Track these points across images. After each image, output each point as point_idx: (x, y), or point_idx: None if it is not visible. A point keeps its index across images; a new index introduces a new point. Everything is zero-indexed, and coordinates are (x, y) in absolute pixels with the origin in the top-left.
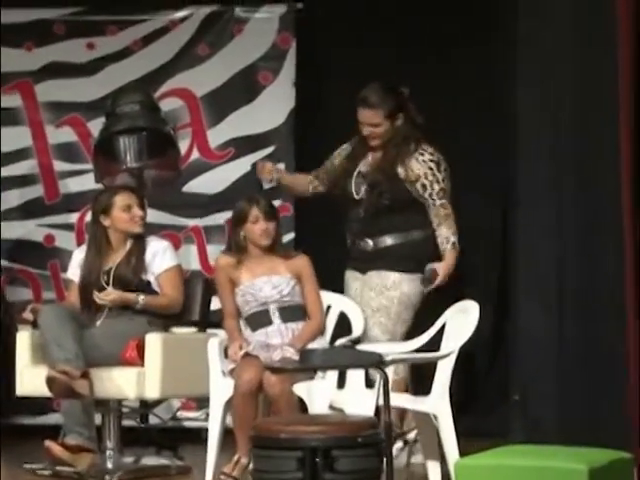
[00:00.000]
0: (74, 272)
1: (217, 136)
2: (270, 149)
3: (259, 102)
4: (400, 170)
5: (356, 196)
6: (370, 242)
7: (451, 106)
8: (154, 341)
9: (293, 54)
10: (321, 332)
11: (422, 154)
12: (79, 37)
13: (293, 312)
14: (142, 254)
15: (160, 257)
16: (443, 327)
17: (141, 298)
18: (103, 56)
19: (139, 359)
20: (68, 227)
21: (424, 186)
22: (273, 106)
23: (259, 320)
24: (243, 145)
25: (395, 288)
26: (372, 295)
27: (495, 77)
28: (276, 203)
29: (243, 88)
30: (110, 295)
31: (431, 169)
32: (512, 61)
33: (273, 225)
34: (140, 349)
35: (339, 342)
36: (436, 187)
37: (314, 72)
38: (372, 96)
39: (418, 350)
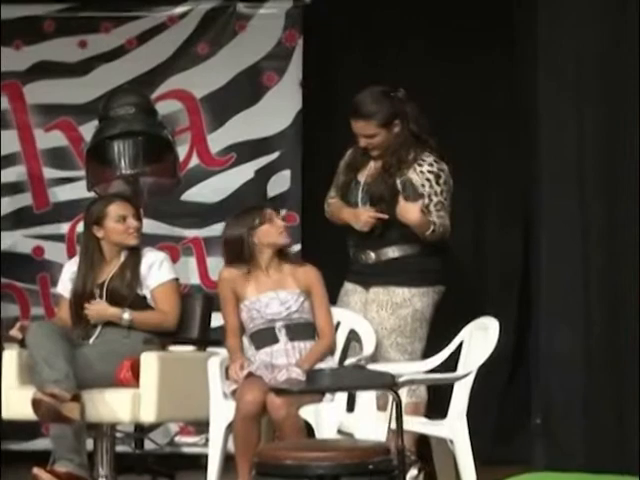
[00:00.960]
0: (65, 286)
1: (218, 141)
2: (275, 155)
3: (263, 104)
4: (399, 181)
5: (360, 207)
6: (372, 254)
7: (467, 115)
8: (150, 361)
9: (300, 52)
10: (331, 352)
11: (421, 164)
12: (70, 35)
13: (301, 330)
14: (137, 267)
15: (156, 270)
16: (460, 345)
17: (125, 315)
18: (96, 55)
19: (134, 380)
20: (58, 238)
21: (422, 197)
22: (278, 108)
23: (264, 338)
24: (246, 151)
25: (406, 305)
26: (384, 315)
27: (513, 91)
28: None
29: (246, 89)
30: (94, 306)
31: (429, 180)
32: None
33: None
34: (135, 369)
35: (349, 362)
36: (434, 199)
37: (322, 72)
38: (363, 105)
39: (433, 370)
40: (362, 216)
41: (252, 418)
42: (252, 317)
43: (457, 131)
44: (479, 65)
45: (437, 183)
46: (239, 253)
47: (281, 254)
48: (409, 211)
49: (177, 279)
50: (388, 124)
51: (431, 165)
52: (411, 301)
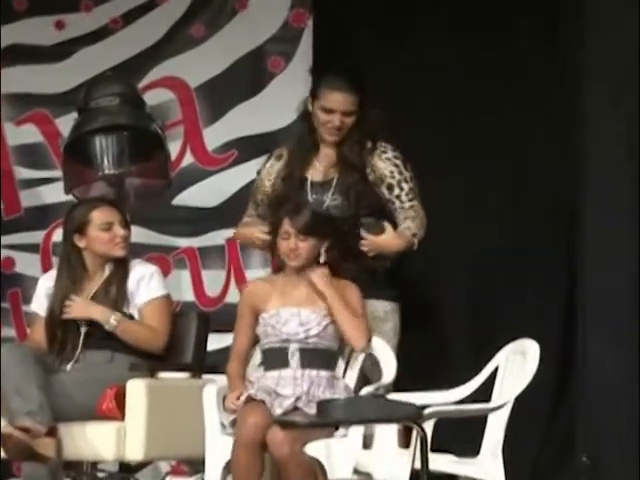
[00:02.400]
0: (40, 304)
1: (215, 136)
2: None
3: (267, 94)
4: (368, 170)
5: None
6: (355, 267)
7: (492, 108)
8: (137, 389)
9: (309, 34)
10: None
11: (384, 151)
12: (45, 14)
13: (317, 357)
14: (124, 282)
15: (145, 285)
16: (495, 372)
17: (114, 317)
18: (75, 37)
19: (118, 411)
20: (32, 248)
21: (390, 187)
22: (285, 99)
23: (274, 359)
24: (248, 147)
25: (388, 319)
26: None
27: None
28: None
29: (248, 77)
30: (77, 301)
31: (397, 166)
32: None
33: (308, 245)
34: (120, 399)
35: (365, 390)
36: (405, 187)
37: (335, 56)
38: (348, 79)
39: (464, 400)
40: (253, 235)
41: (255, 447)
42: (266, 333)
43: (480, 126)
44: (509, 53)
45: (405, 169)
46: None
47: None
48: (391, 244)
49: (169, 296)
50: (362, 105)
51: (394, 150)
52: (393, 315)
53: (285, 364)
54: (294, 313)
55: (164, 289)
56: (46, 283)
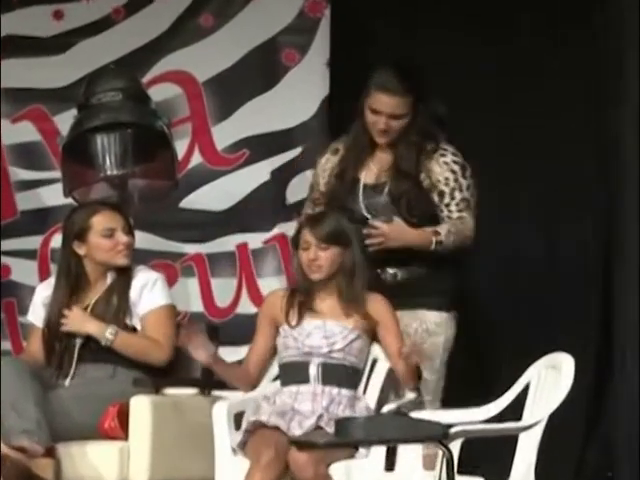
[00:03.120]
0: (37, 314)
1: (225, 134)
2: (296, 151)
3: (281, 89)
4: (422, 176)
5: (368, 216)
6: (391, 272)
7: (519, 107)
8: (141, 406)
9: (327, 25)
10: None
11: (443, 154)
12: (42, 3)
13: (339, 374)
14: (126, 291)
15: (147, 293)
16: (526, 388)
17: (109, 331)
18: (74, 29)
19: (121, 430)
20: (28, 255)
21: (441, 194)
22: (300, 94)
23: (293, 373)
24: (260, 146)
25: (439, 332)
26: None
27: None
28: None
29: (260, 70)
30: (73, 313)
31: (454, 172)
32: None
33: (329, 254)
34: (123, 417)
35: (387, 407)
36: (457, 196)
37: (354, 49)
38: (398, 79)
39: (492, 419)
40: None
41: (275, 477)
42: (286, 345)
43: (506, 125)
44: (537, 52)
45: (463, 176)
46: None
47: (330, 283)
48: (400, 235)
49: (172, 305)
50: (416, 106)
51: (455, 155)
52: (444, 327)
53: (305, 379)
54: (318, 325)
55: (167, 298)
56: (43, 292)
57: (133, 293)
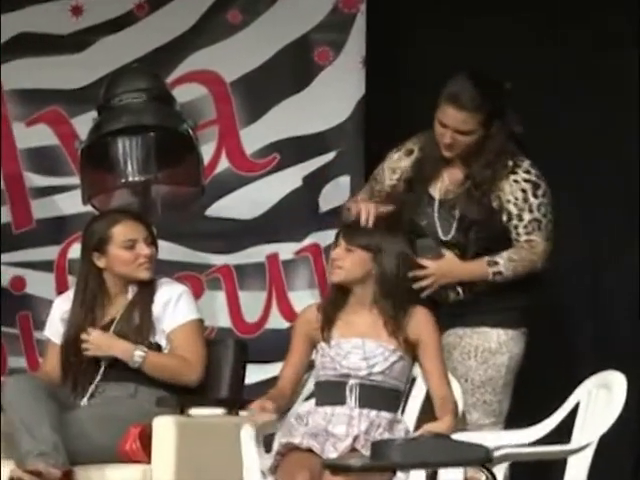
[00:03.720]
0: (54, 330)
1: (255, 138)
2: (330, 156)
3: (314, 89)
4: (492, 196)
5: (443, 237)
6: (455, 290)
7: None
8: (165, 427)
9: (363, 21)
10: (455, 416)
11: (515, 172)
12: None
13: (378, 396)
14: (149, 306)
15: (172, 308)
16: (575, 409)
17: (138, 354)
18: (94, 25)
19: (143, 453)
20: (45, 266)
21: (509, 215)
22: (334, 95)
23: (329, 393)
24: (291, 150)
25: (502, 351)
26: (472, 364)
27: None
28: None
29: (292, 70)
30: (95, 335)
31: (524, 191)
32: None
33: (355, 258)
34: (145, 439)
35: (425, 428)
36: (526, 217)
37: (393, 47)
38: (469, 93)
39: (540, 441)
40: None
41: None
42: (324, 365)
43: (557, 134)
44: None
45: (534, 195)
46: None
47: (367, 296)
48: (454, 271)
49: (201, 320)
50: (489, 122)
51: (528, 172)
52: (508, 346)
53: (341, 400)
54: (357, 345)
55: (195, 312)
56: (62, 306)
57: (156, 308)
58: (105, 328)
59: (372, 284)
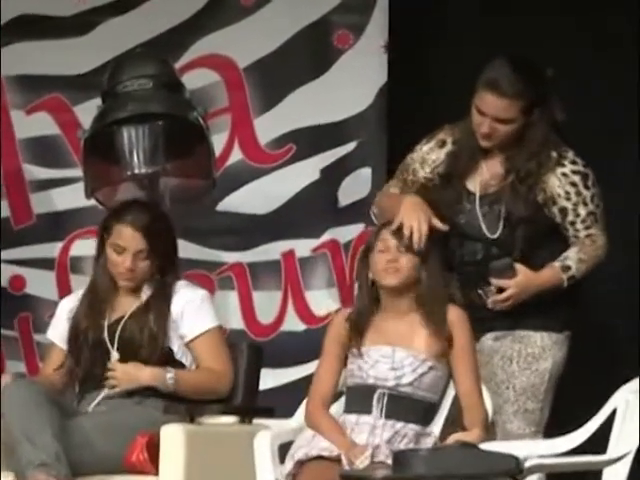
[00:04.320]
0: (58, 332)
1: (269, 127)
2: (350, 147)
3: (333, 76)
4: (537, 189)
5: (490, 235)
6: (493, 289)
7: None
8: (173, 436)
9: (385, 3)
10: (485, 427)
11: (562, 164)
12: None
13: (406, 408)
14: (166, 308)
15: (193, 314)
16: (611, 417)
17: (170, 376)
18: (98, 7)
19: (151, 464)
20: (45, 264)
21: (564, 211)
22: (354, 81)
23: (356, 400)
24: (309, 141)
25: (545, 356)
26: (514, 370)
27: None
28: (356, 229)
29: (309, 55)
30: (118, 376)
31: (574, 185)
32: None
33: (409, 260)
34: (153, 448)
35: (452, 438)
36: (582, 212)
37: (418, 30)
38: (509, 79)
39: (574, 451)
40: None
41: None
42: (352, 372)
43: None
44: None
45: (586, 187)
46: (359, 288)
47: (408, 296)
48: (530, 286)
49: (221, 327)
50: (530, 110)
51: (574, 163)
52: (551, 351)
53: (367, 409)
54: (386, 354)
55: (215, 319)
56: (68, 306)
57: (174, 312)
58: (112, 327)
59: (413, 290)
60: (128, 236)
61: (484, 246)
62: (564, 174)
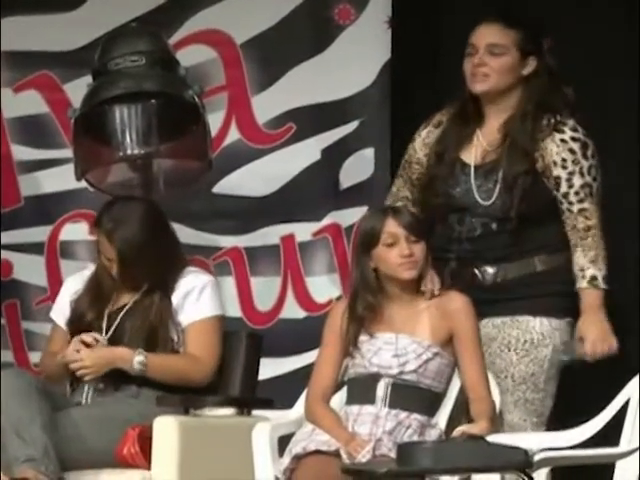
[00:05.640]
0: (61, 312)
1: (268, 106)
2: (352, 126)
3: (334, 52)
4: (537, 155)
5: (484, 202)
6: (491, 271)
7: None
8: (166, 428)
9: None
10: (492, 419)
11: (561, 130)
12: None
13: (411, 397)
14: (166, 298)
15: (193, 300)
16: (623, 408)
17: (138, 358)
18: None
19: (143, 457)
20: (34, 248)
21: (558, 180)
22: (356, 58)
23: (359, 390)
24: (309, 120)
25: (545, 343)
26: (512, 358)
27: None
28: (359, 212)
29: (309, 30)
30: (83, 359)
31: (573, 152)
32: None
33: (421, 248)
34: (145, 441)
35: (458, 430)
36: (577, 182)
37: (422, 5)
38: (509, 10)
39: (585, 444)
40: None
41: None
42: (354, 362)
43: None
44: None
45: (584, 156)
46: (357, 278)
47: (416, 284)
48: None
49: (222, 317)
50: (525, 52)
51: (574, 130)
52: (552, 337)
53: (370, 400)
54: (389, 341)
55: (217, 308)
56: (73, 287)
57: (176, 298)
58: (112, 316)
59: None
60: (103, 240)
61: (483, 222)
62: (563, 140)
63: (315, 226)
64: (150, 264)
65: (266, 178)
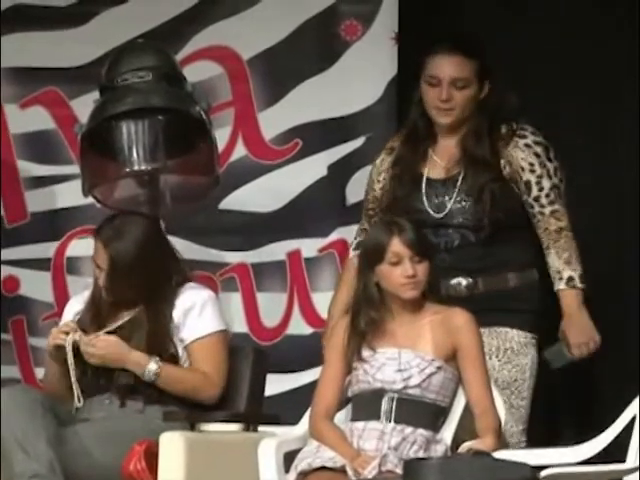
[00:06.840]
0: None
1: (275, 122)
2: (358, 142)
3: (341, 68)
4: (502, 162)
5: (456, 212)
6: (464, 282)
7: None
8: (173, 444)
9: None
10: (497, 434)
11: (522, 135)
12: None
13: (416, 412)
14: (165, 313)
15: (195, 316)
16: (630, 424)
17: (153, 366)
18: None
19: (149, 473)
20: (40, 264)
21: (528, 185)
22: (363, 74)
23: (363, 408)
24: (316, 136)
25: (525, 352)
26: (495, 364)
27: None
28: None
29: (315, 46)
30: (99, 343)
31: (538, 156)
32: None
33: (425, 268)
34: (151, 457)
35: (464, 446)
36: (546, 184)
37: (428, 20)
38: (466, 39)
39: (592, 459)
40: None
41: None
42: (357, 378)
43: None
44: None
45: (548, 159)
46: (358, 294)
47: (419, 300)
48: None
49: (226, 331)
50: (482, 79)
51: (535, 134)
52: (529, 347)
53: (375, 416)
54: (392, 356)
55: (219, 323)
56: (76, 307)
57: (176, 315)
58: (112, 331)
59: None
60: (98, 251)
61: (461, 233)
62: (527, 145)
63: (321, 242)
64: (140, 279)
65: (273, 194)
